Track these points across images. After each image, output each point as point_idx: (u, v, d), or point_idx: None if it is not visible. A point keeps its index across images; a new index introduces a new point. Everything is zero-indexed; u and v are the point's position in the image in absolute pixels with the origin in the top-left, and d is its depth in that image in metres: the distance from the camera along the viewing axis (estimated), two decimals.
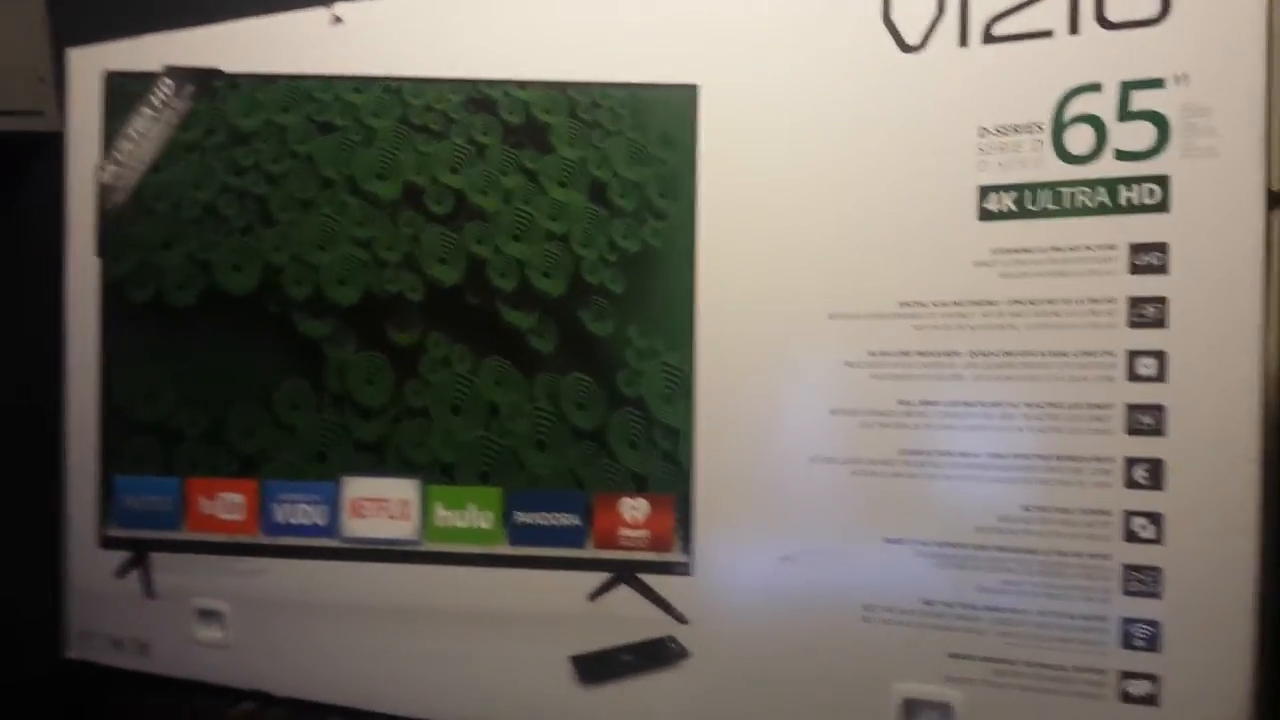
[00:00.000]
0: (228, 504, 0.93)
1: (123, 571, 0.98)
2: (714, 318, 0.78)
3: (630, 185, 0.81)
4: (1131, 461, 0.66)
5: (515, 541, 0.84)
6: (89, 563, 1.00)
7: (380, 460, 0.88)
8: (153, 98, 0.96)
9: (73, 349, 1.00)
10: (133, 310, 0.96)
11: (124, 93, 0.97)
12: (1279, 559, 0.64)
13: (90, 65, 0.99)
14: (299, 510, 0.91)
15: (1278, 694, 0.65)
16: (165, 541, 0.96)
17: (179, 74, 0.95)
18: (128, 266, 0.96)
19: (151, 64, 0.96)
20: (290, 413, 0.90)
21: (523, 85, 0.84)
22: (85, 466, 0.99)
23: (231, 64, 0.93)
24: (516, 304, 0.84)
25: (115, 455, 0.97)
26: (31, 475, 1.03)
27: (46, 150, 1.04)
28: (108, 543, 0.99)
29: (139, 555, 0.98)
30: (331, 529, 0.90)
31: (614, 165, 0.81)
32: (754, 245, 0.77)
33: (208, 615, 0.95)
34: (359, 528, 0.89)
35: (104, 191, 0.98)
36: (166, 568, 0.97)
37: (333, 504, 0.90)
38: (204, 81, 0.94)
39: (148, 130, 0.96)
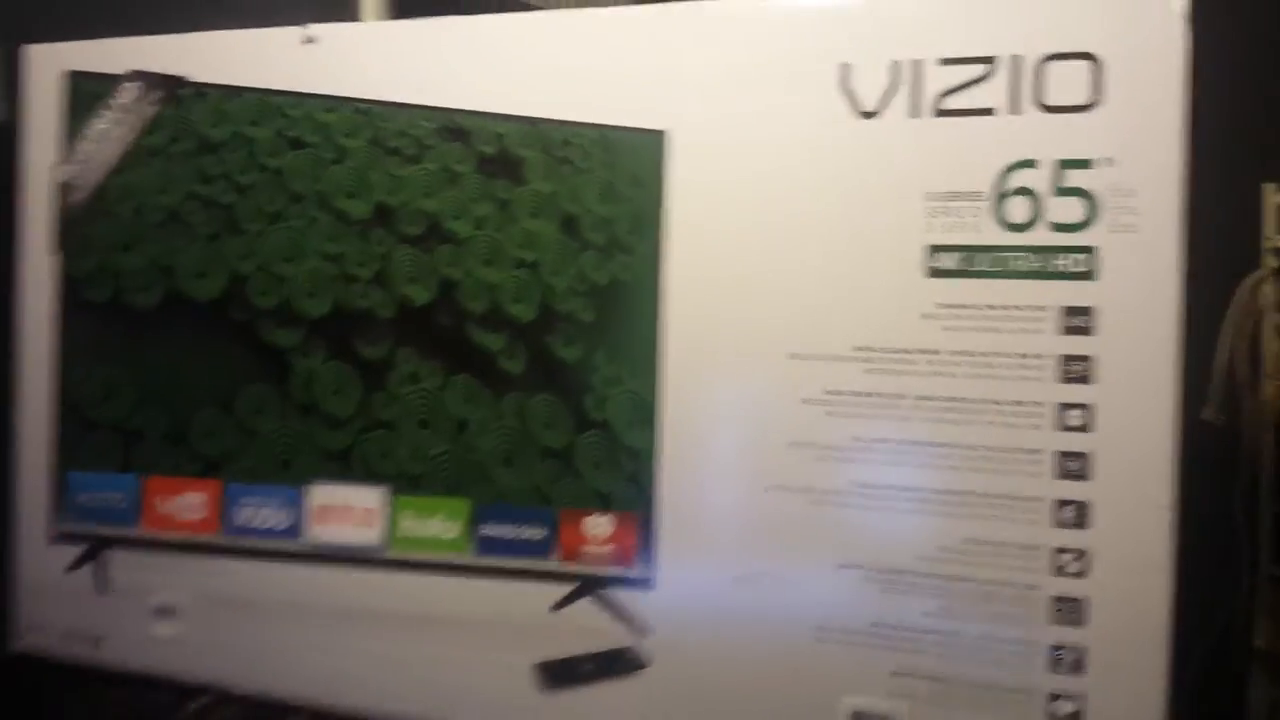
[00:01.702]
0: (187, 504, 0.95)
1: (75, 566, 0.99)
2: (679, 350, 0.84)
3: (601, 220, 0.86)
4: (1060, 503, 0.74)
5: (481, 552, 0.88)
6: (38, 558, 1.00)
7: (346, 469, 0.91)
8: (116, 100, 0.96)
9: (25, 345, 1.00)
10: (91, 309, 0.97)
11: (84, 93, 0.97)
12: (1188, 593, 0.73)
13: (49, 63, 0.99)
14: (261, 513, 0.94)
15: (1201, 703, 0.74)
16: (121, 538, 0.97)
17: (144, 78, 0.95)
18: (87, 266, 0.97)
19: (114, 66, 0.96)
20: (254, 418, 0.93)
21: (497, 118, 0.87)
22: (36, 462, 1.00)
23: (198, 74, 0.94)
24: (487, 326, 0.88)
25: (69, 452, 0.98)
26: None
27: None
28: (59, 538, 1.00)
29: (92, 551, 0.99)
30: (294, 532, 0.93)
31: (585, 201, 0.86)
32: (718, 284, 0.82)
33: (164, 611, 0.97)
34: (322, 533, 0.92)
35: (61, 190, 0.98)
36: (121, 564, 0.98)
37: (296, 508, 0.93)
38: (170, 88, 0.95)
39: (109, 132, 0.97)
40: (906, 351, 0.78)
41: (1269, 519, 0.80)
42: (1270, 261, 0.79)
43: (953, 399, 0.76)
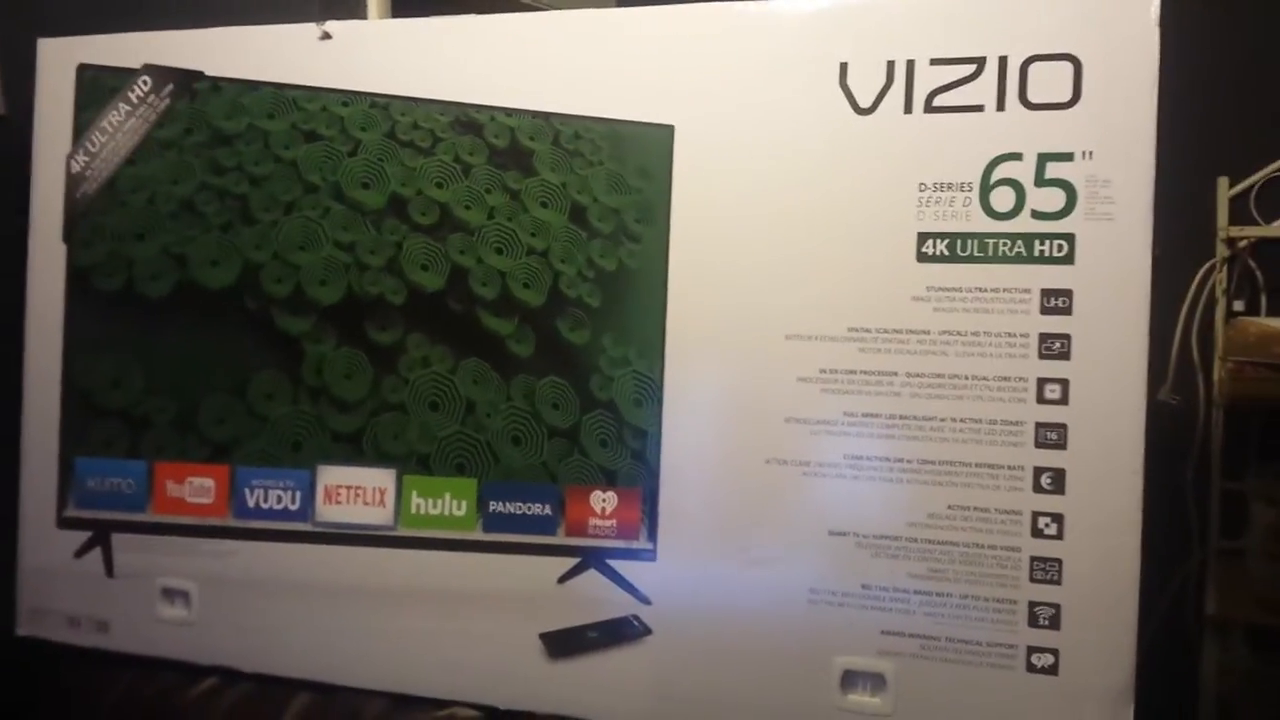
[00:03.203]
0: (197, 488, 0.98)
1: (82, 551, 1.01)
2: (682, 332, 0.88)
3: (608, 210, 0.90)
4: (1039, 470, 0.80)
5: (489, 529, 0.92)
6: (45, 543, 1.02)
7: (356, 451, 0.94)
8: (130, 93, 0.99)
9: (33, 332, 1.02)
10: (100, 297, 0.99)
11: (97, 86, 1.00)
12: (1155, 552, 0.79)
13: (62, 57, 1.02)
14: (271, 495, 0.96)
15: (1157, 665, 0.79)
16: (130, 523, 1.00)
17: (158, 72, 0.99)
18: (97, 255, 0.99)
19: (128, 60, 0.99)
20: (265, 403, 0.96)
21: (509, 112, 0.92)
22: (43, 448, 1.02)
23: (213, 68, 0.98)
24: (497, 311, 0.92)
25: (77, 438, 1.01)
26: None
27: None
28: (66, 523, 1.01)
29: (100, 536, 1.01)
30: (304, 513, 0.96)
31: (593, 191, 0.91)
32: (721, 270, 0.87)
33: (172, 594, 1.00)
34: (333, 513, 0.95)
35: (73, 180, 1.01)
36: (129, 548, 1.00)
37: (307, 490, 0.96)
38: (184, 82, 0.98)
39: (122, 124, 1.00)
40: (898, 331, 0.83)
41: (1219, 495, 0.86)
42: (1223, 250, 0.86)
43: (941, 375, 0.82)
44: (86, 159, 1.00)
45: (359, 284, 0.94)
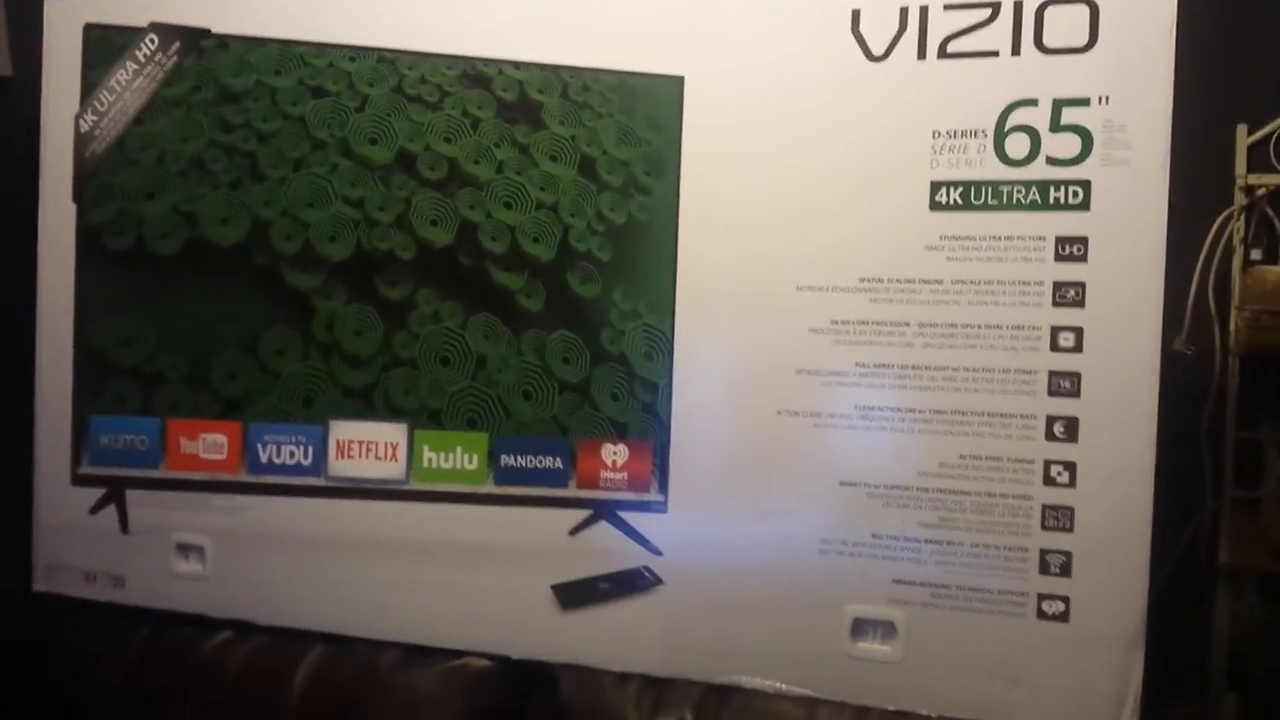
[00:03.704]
0: (210, 444, 0.98)
1: (97, 508, 1.02)
2: (693, 285, 0.88)
3: (618, 163, 0.90)
4: (1051, 419, 0.79)
5: (500, 482, 0.92)
6: (61, 500, 1.03)
7: (368, 406, 0.95)
8: (137, 51, 0.99)
9: (45, 292, 1.03)
10: (111, 256, 0.99)
11: (104, 44, 1.00)
12: (1168, 502, 0.78)
13: (68, 16, 1.01)
14: (284, 450, 0.97)
15: (1168, 613, 0.79)
16: (144, 479, 1.00)
17: (165, 30, 0.98)
18: (107, 214, 0.99)
19: (134, 19, 0.99)
20: (276, 359, 0.96)
21: (517, 65, 0.91)
22: (57, 407, 1.03)
23: (220, 25, 0.97)
24: (507, 266, 0.92)
25: (90, 396, 1.01)
26: (1, 417, 1.06)
27: None
28: (80, 480, 1.02)
29: (115, 492, 1.02)
30: (317, 468, 0.96)
31: (603, 144, 0.90)
32: (731, 222, 0.87)
33: (187, 549, 1.00)
34: (345, 467, 0.95)
35: (82, 140, 1.01)
36: (144, 504, 1.01)
37: (318, 445, 0.96)
38: (191, 39, 0.98)
39: (130, 83, 0.99)
40: (910, 281, 0.82)
41: (1233, 444, 0.85)
42: (1241, 199, 0.84)
43: (954, 325, 0.81)
44: (95, 118, 1.00)
45: (368, 240, 0.94)
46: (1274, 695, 0.81)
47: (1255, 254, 0.85)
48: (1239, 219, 0.85)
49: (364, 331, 0.94)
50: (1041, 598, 0.80)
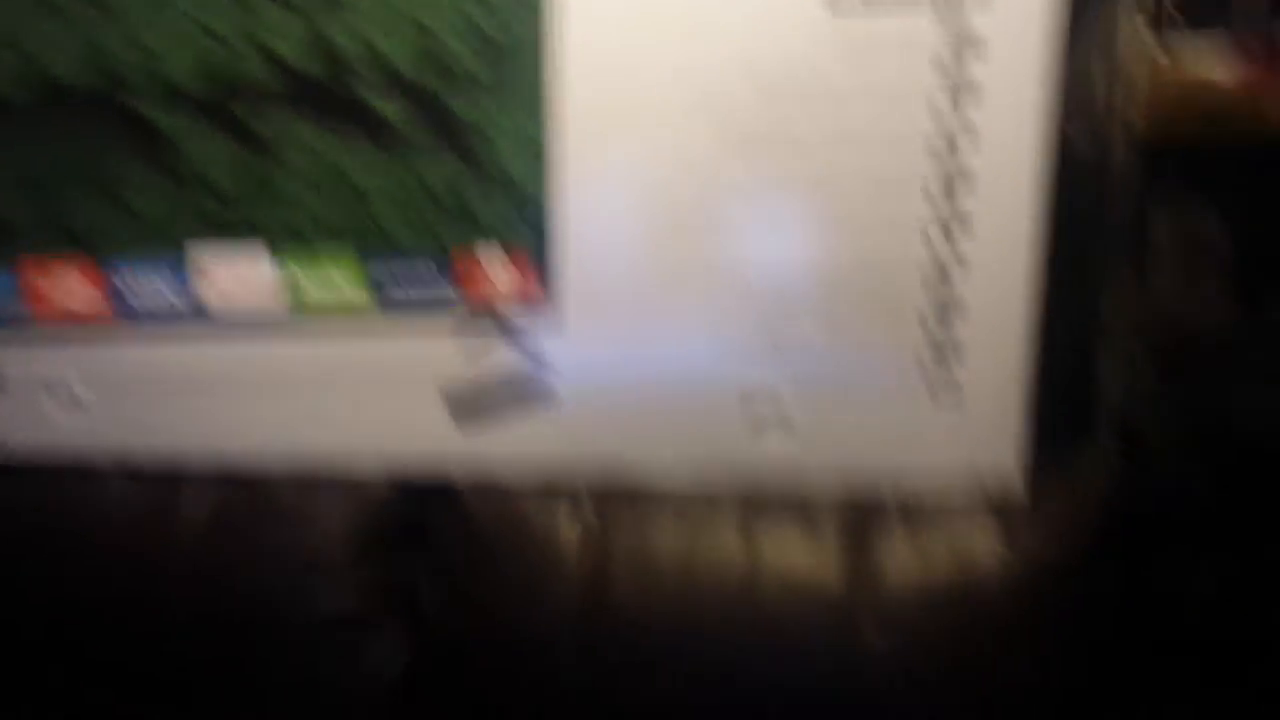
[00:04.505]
0: (71, 289, 0.94)
1: None
2: (581, 97, 0.85)
3: None
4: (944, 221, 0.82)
5: (384, 308, 0.92)
6: None
7: (238, 239, 0.92)
8: None
9: None
10: None
11: None
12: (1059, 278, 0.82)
13: None
14: (151, 288, 0.94)
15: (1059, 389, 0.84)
16: (5, 337, 0.96)
17: None
18: None
19: None
20: (138, 198, 0.92)
21: None
22: None
23: None
24: (382, 92, 0.89)
25: None
26: None
27: None
28: None
29: None
30: (190, 304, 0.94)
31: None
32: (621, 31, 0.84)
33: (64, 398, 0.97)
34: (219, 300, 0.93)
35: None
36: (12, 362, 0.97)
37: (187, 280, 0.93)
38: None
39: None
40: (810, 86, 0.82)
41: (1125, 218, 0.82)
42: None
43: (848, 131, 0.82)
44: None
45: (229, 70, 0.90)
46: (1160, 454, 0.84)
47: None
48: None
49: (231, 163, 0.91)
50: (935, 386, 0.84)
